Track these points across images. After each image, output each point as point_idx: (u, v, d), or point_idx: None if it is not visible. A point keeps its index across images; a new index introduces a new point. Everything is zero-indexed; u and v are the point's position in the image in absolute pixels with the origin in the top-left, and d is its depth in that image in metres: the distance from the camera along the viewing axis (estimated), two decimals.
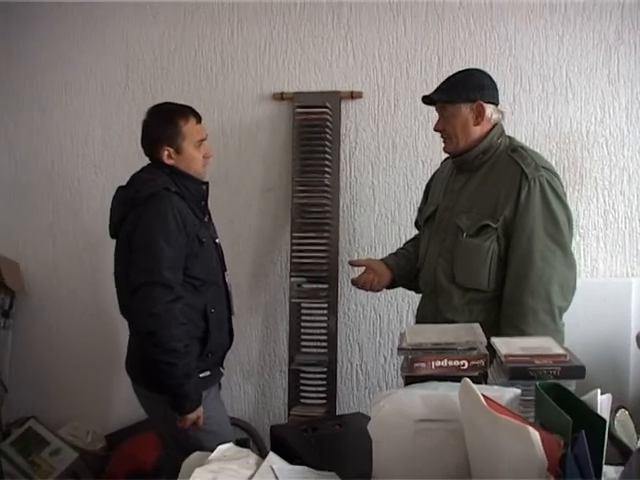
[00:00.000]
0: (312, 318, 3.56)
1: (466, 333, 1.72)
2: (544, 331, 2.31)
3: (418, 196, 3.45)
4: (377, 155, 3.57)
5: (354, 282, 2.85)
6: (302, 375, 3.54)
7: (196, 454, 1.73)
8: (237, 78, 3.68)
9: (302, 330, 3.57)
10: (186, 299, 2.49)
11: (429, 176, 3.39)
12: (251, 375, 3.80)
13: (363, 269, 2.87)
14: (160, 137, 2.60)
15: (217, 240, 2.76)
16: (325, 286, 3.50)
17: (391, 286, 2.92)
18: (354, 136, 3.57)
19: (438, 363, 1.63)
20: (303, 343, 3.57)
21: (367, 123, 3.56)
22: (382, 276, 2.83)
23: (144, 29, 3.74)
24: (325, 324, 3.53)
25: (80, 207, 3.90)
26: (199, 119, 2.67)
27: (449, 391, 1.51)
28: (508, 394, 1.48)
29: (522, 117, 3.41)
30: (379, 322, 3.64)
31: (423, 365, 1.63)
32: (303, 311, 3.57)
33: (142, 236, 2.48)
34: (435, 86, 2.66)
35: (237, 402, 3.77)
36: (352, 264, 3.03)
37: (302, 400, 3.53)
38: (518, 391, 1.51)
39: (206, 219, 2.72)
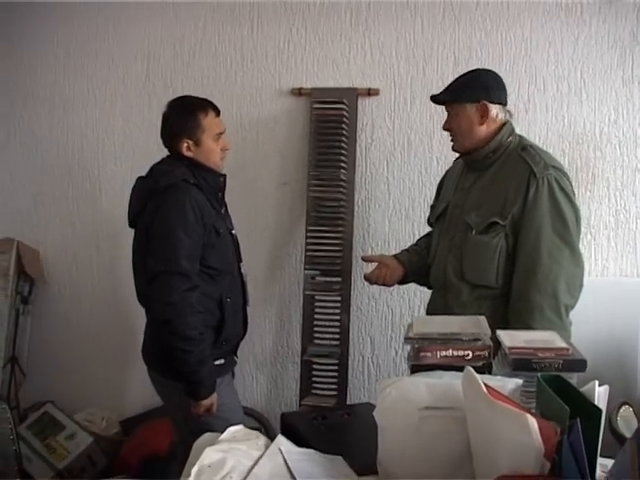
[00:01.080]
0: (325, 311, 3.60)
1: (471, 325, 1.77)
2: (550, 328, 2.29)
3: (432, 193, 3.48)
4: (392, 152, 3.62)
5: (367, 277, 2.89)
6: (314, 366, 3.59)
7: (207, 435, 1.79)
8: (256, 73, 3.73)
9: (315, 322, 3.62)
10: (202, 288, 2.54)
11: (443, 173, 3.43)
12: (264, 365, 3.86)
13: (376, 264, 2.91)
14: (180, 129, 2.66)
15: (233, 231, 2.82)
16: (339, 279, 3.55)
17: (403, 282, 2.95)
18: (370, 132, 3.62)
19: (443, 353, 1.67)
20: (316, 335, 3.61)
21: (383, 120, 3.61)
22: (394, 271, 2.86)
23: (166, 25, 3.80)
24: (338, 317, 3.57)
25: (100, 197, 3.97)
26: (218, 113, 2.73)
27: (453, 380, 1.55)
28: (510, 384, 1.53)
29: (536, 117, 3.44)
30: (391, 316, 3.69)
31: (429, 354, 1.67)
32: (316, 304, 3.61)
33: (160, 226, 2.54)
34: None
35: (250, 392, 3.83)
36: (365, 260, 3.06)
37: (313, 391, 3.58)
38: (520, 381, 1.55)
39: (223, 211, 2.77)
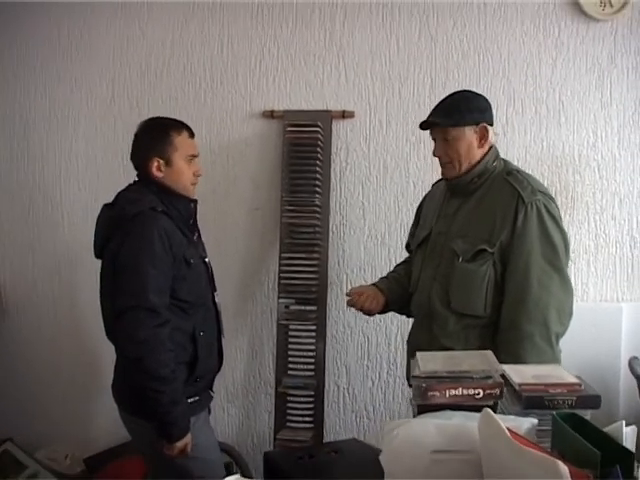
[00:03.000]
0: (300, 340, 3.49)
1: (480, 361, 1.68)
2: (541, 357, 2.31)
3: (409, 218, 3.42)
4: (368, 176, 3.53)
5: (350, 302, 2.79)
6: (289, 398, 3.47)
7: None
8: (226, 94, 3.62)
9: (289, 352, 3.50)
10: (174, 323, 2.41)
11: (420, 198, 3.36)
12: (235, 397, 3.72)
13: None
14: (150, 147, 2.53)
15: (206, 259, 2.68)
16: (314, 308, 3.44)
17: (383, 311, 2.86)
18: (345, 156, 3.53)
19: (453, 392, 1.58)
20: (290, 366, 3.50)
21: (358, 143, 3.53)
22: (376, 299, 2.77)
23: (131, 43, 3.67)
24: (313, 346, 3.47)
25: (62, 222, 3.82)
26: (192, 135, 2.60)
27: (465, 421, 1.46)
28: (526, 424, 1.45)
29: (514, 139, 3.39)
30: (367, 345, 3.59)
31: (437, 394, 1.58)
32: (290, 333, 3.50)
33: (127, 258, 2.39)
34: (428, 108, 2.61)
35: (220, 425, 3.68)
36: (349, 296, 2.89)
37: (289, 424, 3.47)
38: (535, 421, 1.49)
39: (195, 238, 2.64)
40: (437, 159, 2.61)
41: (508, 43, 3.38)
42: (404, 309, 2.87)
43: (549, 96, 3.38)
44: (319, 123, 3.45)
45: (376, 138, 3.51)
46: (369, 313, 2.82)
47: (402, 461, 1.48)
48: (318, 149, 3.44)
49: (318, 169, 3.45)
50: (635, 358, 3.14)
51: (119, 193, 2.59)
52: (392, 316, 3.47)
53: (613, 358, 3.29)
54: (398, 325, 3.52)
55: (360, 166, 3.53)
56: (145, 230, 2.40)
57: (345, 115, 3.49)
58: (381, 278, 2.95)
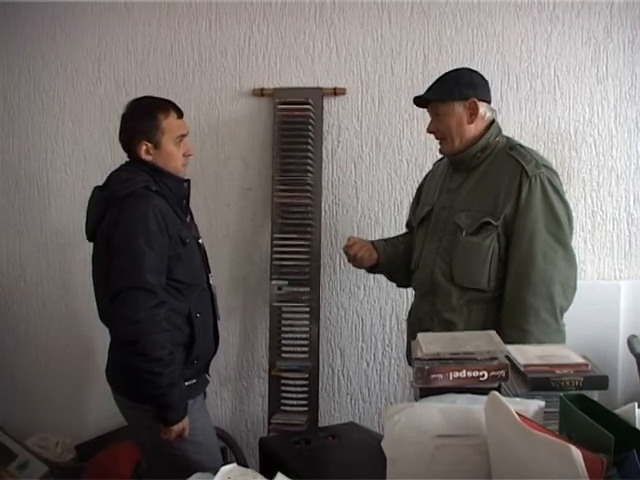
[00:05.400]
0: (293, 322, 3.43)
1: (484, 341, 1.63)
2: (546, 330, 2.32)
3: (402, 196, 3.39)
4: (360, 154, 3.46)
5: (347, 250, 2.80)
6: (283, 382, 3.42)
7: (195, 476, 1.59)
8: (215, 73, 3.54)
9: (283, 335, 3.45)
10: (170, 304, 2.35)
11: (413, 176, 3.34)
12: (228, 381, 3.66)
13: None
14: (138, 131, 2.46)
15: (200, 241, 2.63)
16: (307, 289, 3.38)
17: (373, 269, 2.89)
18: (337, 134, 3.46)
19: (456, 374, 1.53)
20: (284, 348, 3.44)
21: (350, 121, 3.46)
22: (369, 254, 2.80)
23: (117, 23, 3.59)
24: (307, 328, 3.41)
25: (49, 206, 3.75)
26: (180, 114, 2.54)
27: (470, 404, 1.40)
28: (532, 407, 1.40)
29: (510, 116, 3.32)
30: (361, 326, 3.53)
31: (440, 376, 1.53)
32: (284, 315, 3.44)
33: (121, 238, 2.33)
34: (421, 84, 2.64)
35: (213, 409, 3.60)
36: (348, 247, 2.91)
37: (283, 408, 3.41)
38: (542, 403, 1.43)
39: (188, 219, 2.59)
40: (431, 136, 2.63)
41: (502, 17, 3.31)
42: (394, 275, 2.94)
43: (544, 71, 3.31)
44: (310, 100, 3.37)
45: (368, 115, 3.44)
46: (360, 264, 2.84)
47: (405, 447, 1.43)
48: (309, 127, 3.37)
49: (310, 147, 3.38)
50: (634, 336, 3.10)
51: (111, 174, 2.53)
52: (386, 296, 3.46)
53: (611, 336, 3.24)
54: (392, 306, 3.48)
55: (352, 144, 3.46)
56: (139, 209, 2.35)
57: (337, 92, 3.42)
58: (379, 239, 2.99)
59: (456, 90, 2.49)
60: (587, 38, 3.29)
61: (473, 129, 2.50)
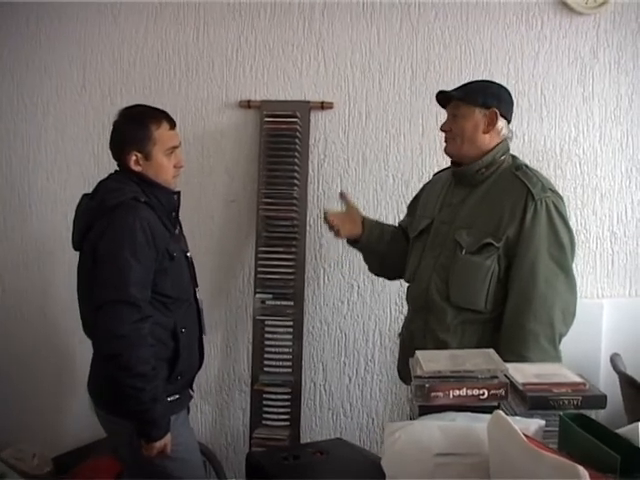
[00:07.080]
0: (276, 336, 3.42)
1: (483, 360, 1.63)
2: (544, 358, 2.28)
3: (387, 211, 3.40)
4: (346, 168, 3.46)
5: (327, 216, 2.80)
6: (265, 396, 3.39)
7: None
8: (202, 83, 3.52)
9: (266, 349, 3.42)
10: (155, 318, 2.33)
11: (399, 191, 3.34)
12: (209, 394, 3.62)
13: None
14: (128, 141, 2.44)
15: (188, 254, 2.61)
16: (290, 303, 3.37)
17: (354, 243, 2.85)
18: (323, 148, 3.45)
19: (457, 392, 1.54)
20: (266, 362, 3.42)
21: (337, 135, 3.45)
22: (353, 225, 2.80)
23: (104, 30, 3.55)
24: (290, 342, 3.40)
25: (29, 214, 3.68)
26: (173, 125, 2.51)
27: (470, 422, 1.40)
28: (533, 425, 1.42)
29: None
30: (344, 341, 3.52)
31: (440, 394, 1.53)
32: (267, 329, 3.42)
33: (107, 249, 2.30)
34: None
35: (194, 423, 3.51)
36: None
37: (265, 422, 3.39)
38: (542, 422, 1.45)
39: (177, 231, 2.56)
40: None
41: (490, 35, 3.33)
42: (369, 257, 2.91)
43: (531, 89, 3.34)
44: (297, 114, 3.37)
45: (355, 130, 3.44)
46: (337, 232, 2.79)
47: (405, 465, 1.43)
48: (296, 140, 3.36)
49: (296, 161, 3.37)
50: (616, 354, 3.11)
51: (100, 183, 2.50)
52: (369, 311, 3.47)
53: (593, 355, 3.25)
54: (376, 321, 3.47)
55: (339, 158, 3.46)
56: (127, 220, 2.32)
57: (324, 106, 3.41)
58: (373, 219, 2.95)
59: (481, 96, 2.47)
60: (574, 58, 3.32)
61: (487, 139, 2.48)
